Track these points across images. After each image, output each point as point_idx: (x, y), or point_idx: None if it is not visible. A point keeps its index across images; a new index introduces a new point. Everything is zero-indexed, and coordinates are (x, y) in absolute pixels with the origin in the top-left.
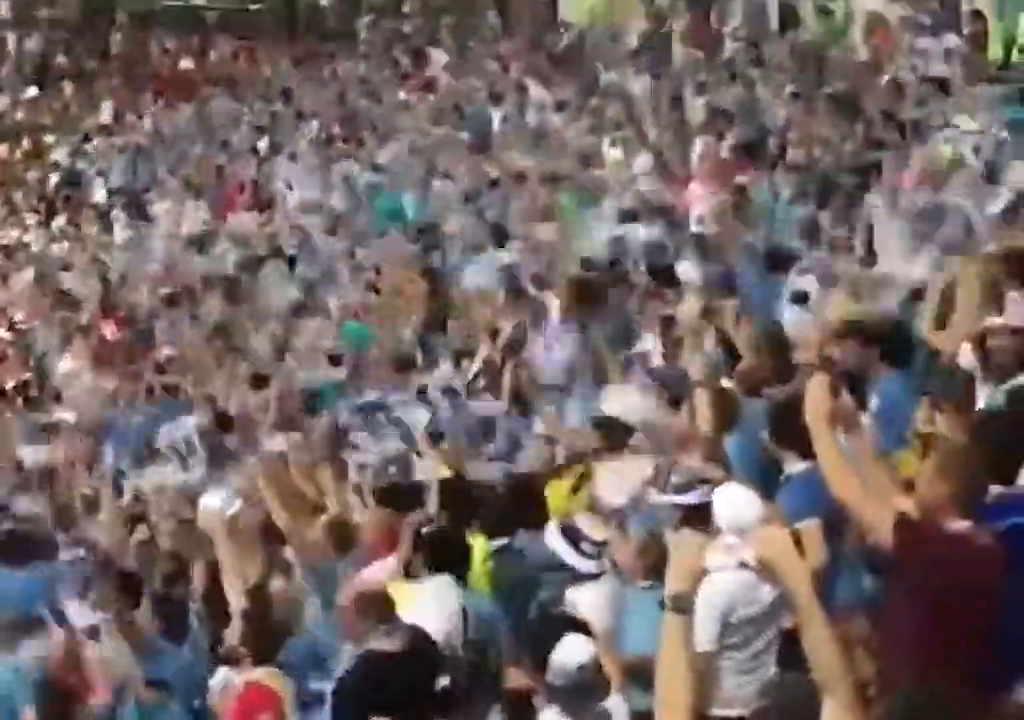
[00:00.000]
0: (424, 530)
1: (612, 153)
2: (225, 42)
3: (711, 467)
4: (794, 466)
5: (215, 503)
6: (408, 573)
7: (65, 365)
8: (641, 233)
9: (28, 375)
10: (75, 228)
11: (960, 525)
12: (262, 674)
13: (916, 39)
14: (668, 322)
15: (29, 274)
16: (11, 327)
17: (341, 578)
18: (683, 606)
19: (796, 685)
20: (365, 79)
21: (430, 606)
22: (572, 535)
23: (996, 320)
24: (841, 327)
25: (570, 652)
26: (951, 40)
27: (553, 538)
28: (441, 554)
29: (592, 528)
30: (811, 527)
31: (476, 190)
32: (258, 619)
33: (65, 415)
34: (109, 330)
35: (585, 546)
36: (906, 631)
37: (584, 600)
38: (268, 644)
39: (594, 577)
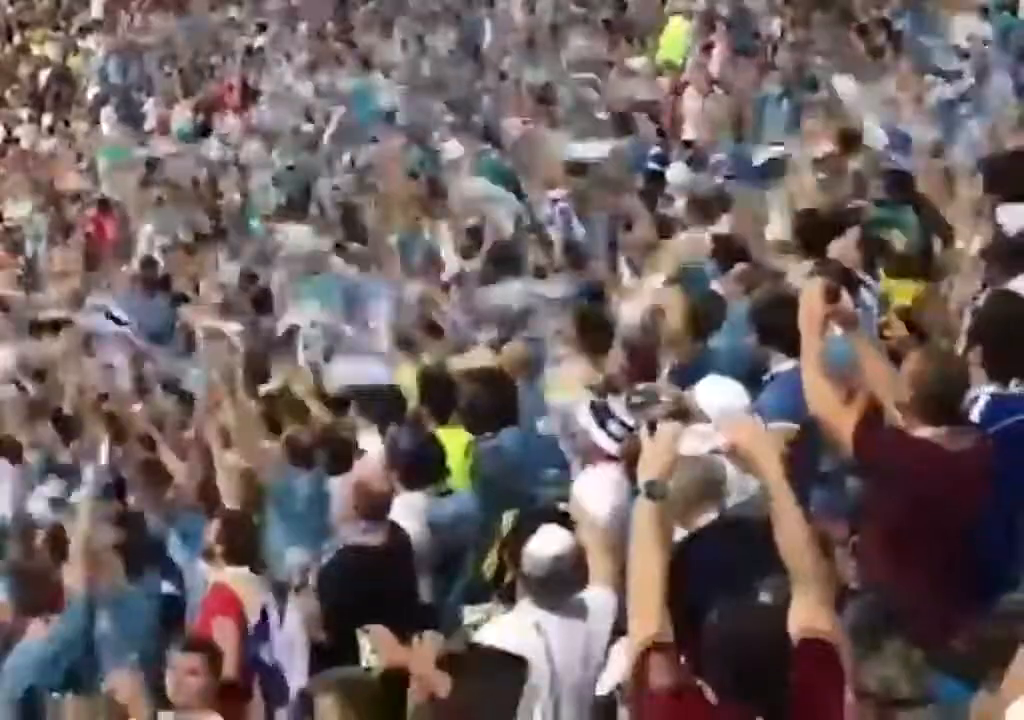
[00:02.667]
0: (401, 446)
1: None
2: None
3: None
4: (781, 364)
5: None
6: None
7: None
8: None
9: (19, 271)
10: (65, 125)
11: (929, 431)
12: (231, 575)
13: None
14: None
15: (19, 171)
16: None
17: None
18: (657, 492)
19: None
20: None
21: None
22: (602, 414)
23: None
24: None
25: (546, 542)
26: None
27: (581, 414)
28: (415, 471)
29: (623, 411)
30: (789, 428)
31: (466, 96)
32: (236, 518)
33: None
34: (99, 226)
35: (613, 427)
36: (879, 536)
37: (588, 485)
38: (242, 545)
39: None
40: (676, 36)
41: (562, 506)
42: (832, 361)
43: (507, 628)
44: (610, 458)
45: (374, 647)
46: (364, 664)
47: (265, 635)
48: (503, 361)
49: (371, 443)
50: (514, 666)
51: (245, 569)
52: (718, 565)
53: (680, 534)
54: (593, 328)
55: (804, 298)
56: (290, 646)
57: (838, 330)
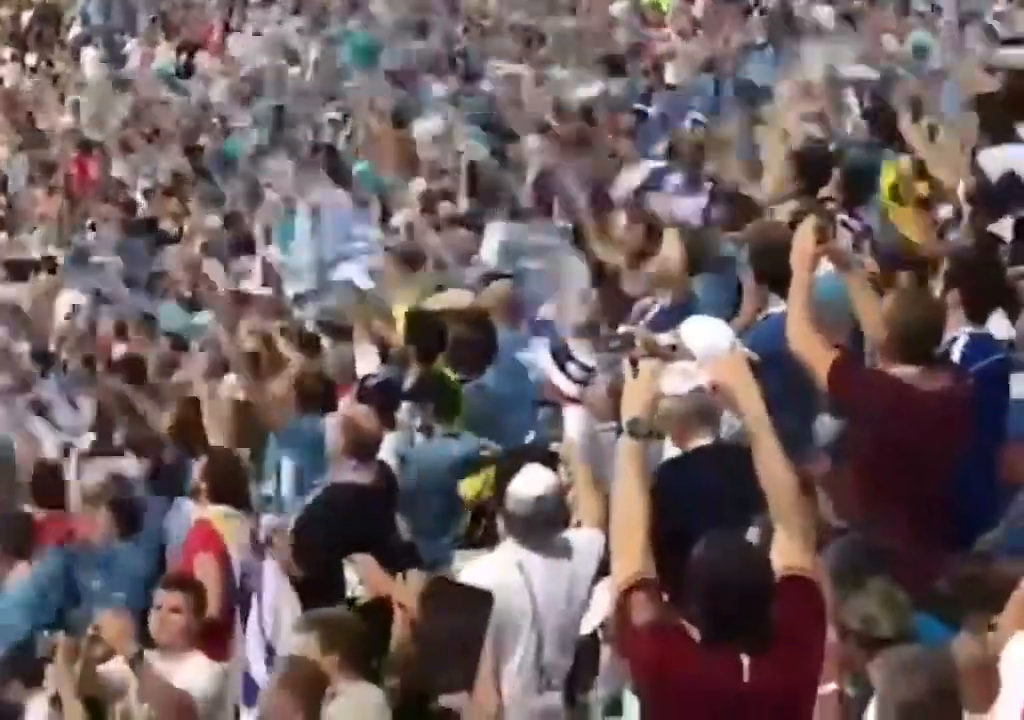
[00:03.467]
0: (367, 382)
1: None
2: None
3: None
4: (776, 306)
5: None
6: None
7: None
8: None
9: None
10: (47, 65)
11: (904, 370)
12: (214, 513)
13: None
14: None
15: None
16: None
17: (308, 434)
18: (639, 431)
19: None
20: None
21: None
22: (561, 356)
23: None
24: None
25: (529, 482)
26: None
27: (540, 357)
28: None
29: (582, 353)
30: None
31: (449, 38)
32: (221, 456)
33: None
34: (80, 167)
35: (572, 368)
36: (856, 475)
37: (570, 423)
38: (227, 483)
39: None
40: None
41: (553, 446)
42: (821, 299)
43: (489, 566)
44: (571, 400)
45: (361, 577)
46: (350, 594)
47: (249, 570)
48: (486, 302)
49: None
50: (478, 601)
51: (229, 507)
52: (703, 489)
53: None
54: None
55: (796, 237)
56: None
57: (828, 268)
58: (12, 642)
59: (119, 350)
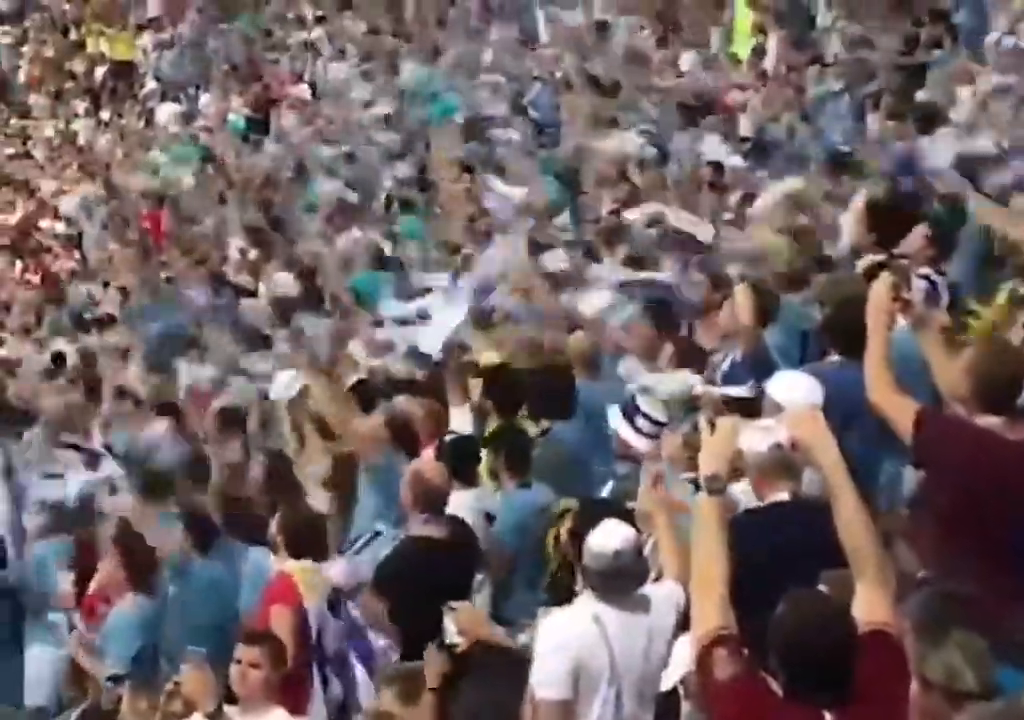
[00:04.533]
0: (445, 439)
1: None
2: None
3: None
4: (831, 359)
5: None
6: None
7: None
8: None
9: (74, 266)
10: (120, 119)
11: (987, 420)
12: (292, 566)
13: None
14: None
15: (75, 165)
16: (57, 217)
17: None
18: (717, 487)
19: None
20: None
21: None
22: (630, 412)
23: None
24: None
25: (607, 536)
26: None
27: (611, 414)
28: (457, 465)
29: (652, 407)
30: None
31: (522, 88)
32: (298, 511)
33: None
34: (154, 221)
35: (641, 423)
36: (938, 525)
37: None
38: (304, 538)
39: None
40: (744, 29)
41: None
42: (897, 353)
43: (566, 619)
44: (639, 454)
45: (459, 626)
46: (448, 641)
47: (327, 624)
48: (567, 354)
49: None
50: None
51: (307, 561)
52: (781, 543)
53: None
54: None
55: (872, 293)
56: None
57: (903, 323)
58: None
59: (212, 401)
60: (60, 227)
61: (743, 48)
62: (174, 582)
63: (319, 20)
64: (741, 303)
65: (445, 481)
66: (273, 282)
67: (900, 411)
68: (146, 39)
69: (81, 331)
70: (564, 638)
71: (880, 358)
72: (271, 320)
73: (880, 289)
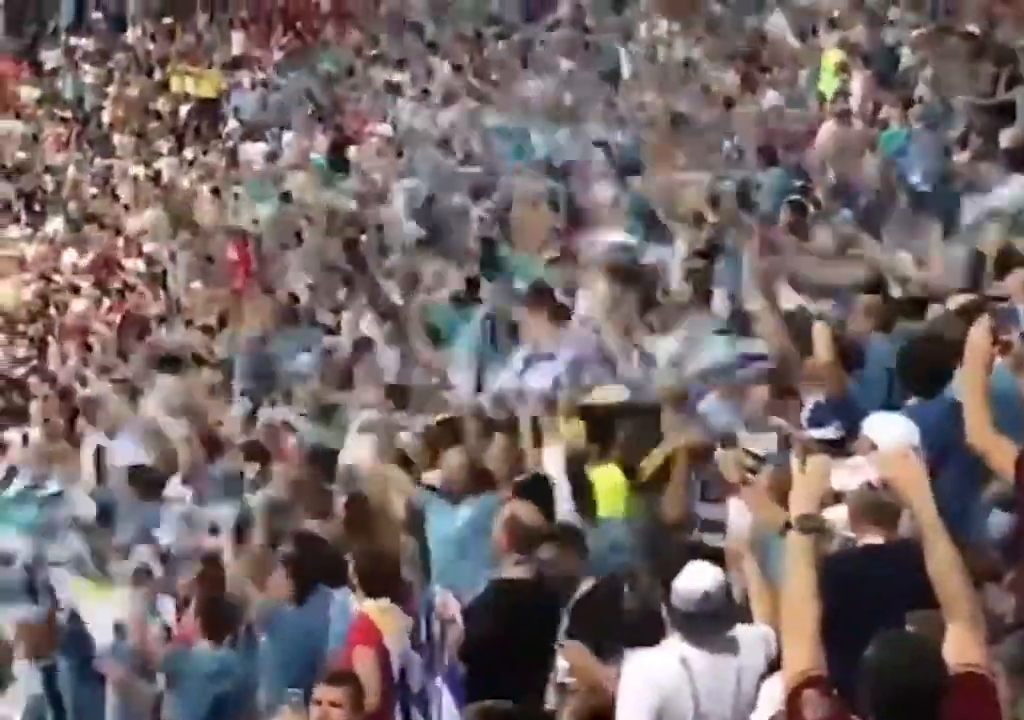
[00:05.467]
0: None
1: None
2: None
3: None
4: (912, 400)
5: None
6: None
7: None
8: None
9: (160, 307)
10: (204, 158)
11: None
12: (371, 607)
13: None
14: None
15: (160, 206)
16: (141, 256)
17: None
18: (810, 527)
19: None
20: (496, 17)
21: None
22: (727, 442)
23: None
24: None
25: (695, 578)
26: None
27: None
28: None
29: (752, 443)
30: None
31: (606, 129)
32: (373, 552)
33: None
34: (240, 260)
35: (738, 454)
36: None
37: (734, 516)
38: (380, 578)
39: None
40: (830, 68)
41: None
42: (996, 395)
43: (652, 661)
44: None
45: (571, 665)
46: (560, 681)
47: (411, 662)
48: (660, 397)
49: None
50: None
51: (385, 600)
52: (872, 584)
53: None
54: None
55: (971, 334)
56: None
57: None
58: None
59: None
60: (143, 266)
61: (829, 87)
62: (266, 632)
63: (400, 62)
64: (819, 341)
65: (541, 522)
66: (354, 321)
67: (1001, 453)
68: (230, 77)
69: (168, 371)
70: (649, 678)
71: (980, 399)
72: (353, 359)
73: (979, 331)
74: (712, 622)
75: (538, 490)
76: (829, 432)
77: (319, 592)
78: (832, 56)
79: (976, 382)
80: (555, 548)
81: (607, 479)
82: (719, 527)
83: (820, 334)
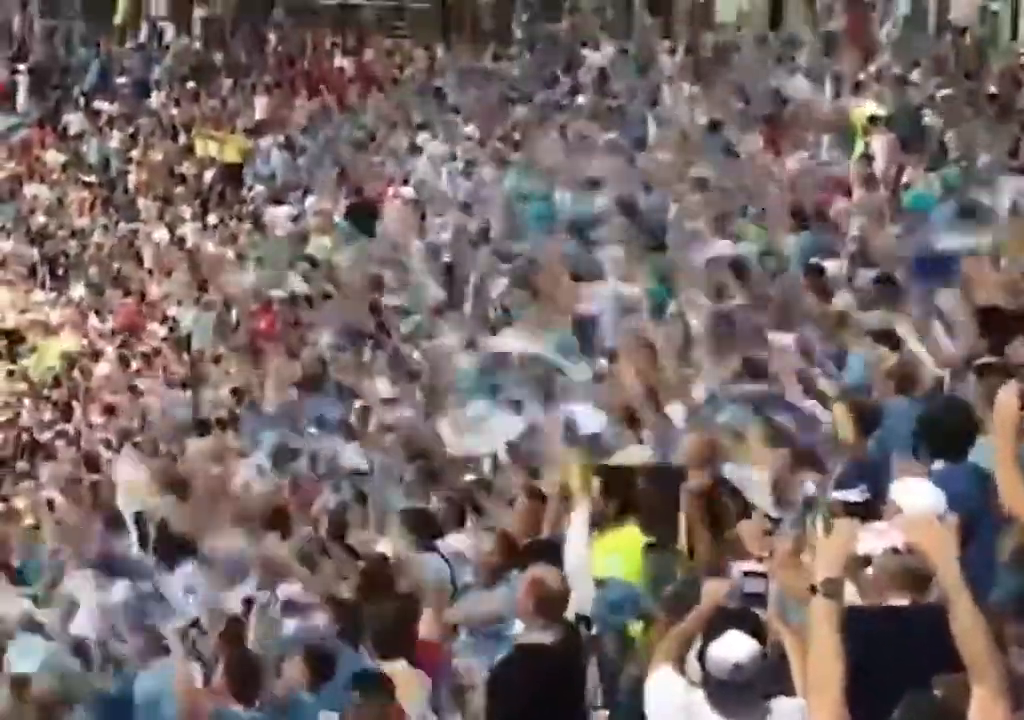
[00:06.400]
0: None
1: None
2: (380, 40)
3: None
4: (936, 464)
5: None
6: None
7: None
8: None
9: (183, 369)
10: (228, 222)
11: None
12: (391, 669)
13: None
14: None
15: (185, 270)
16: (165, 321)
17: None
18: (834, 591)
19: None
20: (518, 80)
21: None
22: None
23: None
24: None
25: (729, 648)
26: None
27: None
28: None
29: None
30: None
31: (631, 194)
32: (381, 613)
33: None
34: (265, 324)
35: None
36: None
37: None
38: (389, 640)
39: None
40: (854, 131)
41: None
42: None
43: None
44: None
45: None
46: None
47: None
48: (684, 456)
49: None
50: None
51: (403, 662)
52: (890, 646)
53: None
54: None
55: (1000, 399)
56: None
57: None
58: None
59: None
60: (166, 331)
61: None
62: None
63: (421, 126)
64: (840, 420)
65: (564, 586)
66: (376, 384)
67: None
68: (254, 141)
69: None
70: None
71: (1012, 464)
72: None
73: (1007, 396)
74: (744, 692)
75: (549, 552)
76: (854, 494)
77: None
78: (857, 118)
79: (1007, 446)
80: None
81: (626, 540)
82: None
83: (839, 411)
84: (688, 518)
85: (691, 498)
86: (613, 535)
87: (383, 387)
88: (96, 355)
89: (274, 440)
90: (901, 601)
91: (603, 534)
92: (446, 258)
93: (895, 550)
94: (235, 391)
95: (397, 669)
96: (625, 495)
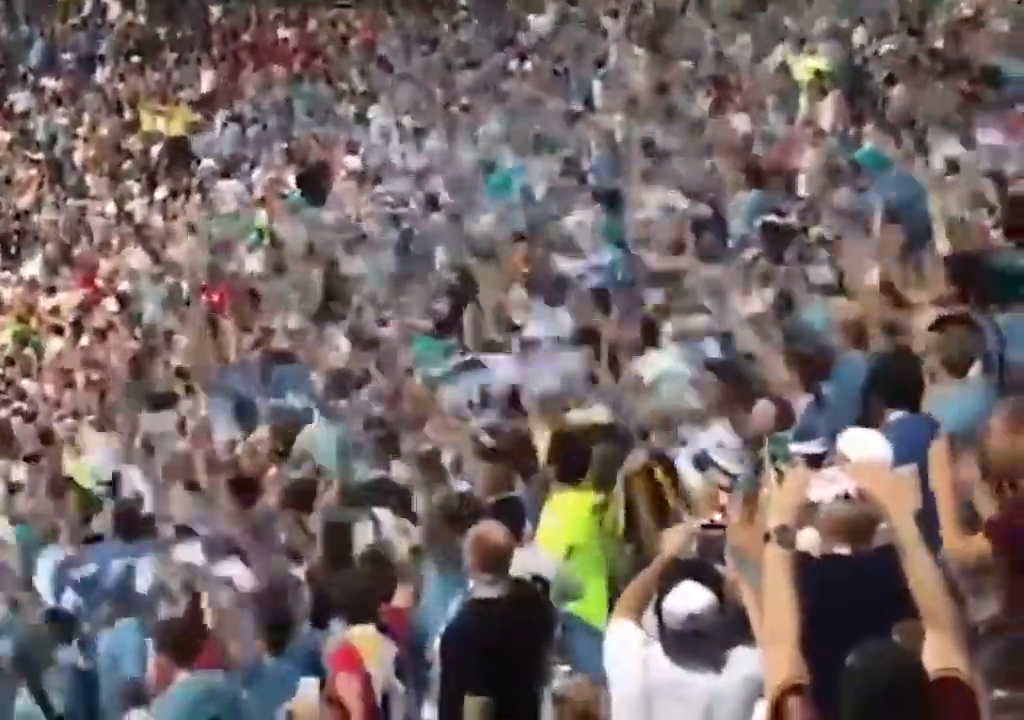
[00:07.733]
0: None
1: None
2: (323, 10)
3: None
4: (893, 415)
5: None
6: None
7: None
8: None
9: (136, 345)
10: (176, 198)
11: None
12: (356, 633)
13: None
14: None
15: (137, 245)
16: (117, 298)
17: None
18: (787, 539)
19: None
20: (465, 46)
21: None
22: (703, 462)
23: None
24: None
25: (684, 598)
26: None
27: (683, 464)
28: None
29: (726, 460)
30: (909, 471)
31: (579, 156)
32: (350, 578)
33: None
34: (216, 297)
35: (713, 474)
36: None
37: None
38: (358, 603)
39: None
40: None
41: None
42: None
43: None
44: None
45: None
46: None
47: (393, 690)
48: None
49: None
50: None
51: (370, 627)
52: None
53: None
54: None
55: (932, 456)
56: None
57: None
58: None
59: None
60: (118, 306)
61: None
62: (247, 686)
63: (364, 94)
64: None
65: (507, 541)
66: (331, 354)
67: (972, 548)
68: (199, 115)
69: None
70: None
71: (951, 506)
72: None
73: (937, 449)
74: (700, 642)
75: (511, 511)
76: (814, 446)
77: (303, 636)
78: (801, 72)
79: (947, 500)
80: None
81: (576, 504)
82: None
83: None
84: (628, 498)
85: (631, 478)
86: (559, 497)
87: (341, 355)
88: (57, 331)
89: (235, 401)
90: (843, 550)
91: (550, 495)
92: (403, 226)
93: (846, 495)
94: (185, 366)
95: (363, 633)
96: (576, 456)
